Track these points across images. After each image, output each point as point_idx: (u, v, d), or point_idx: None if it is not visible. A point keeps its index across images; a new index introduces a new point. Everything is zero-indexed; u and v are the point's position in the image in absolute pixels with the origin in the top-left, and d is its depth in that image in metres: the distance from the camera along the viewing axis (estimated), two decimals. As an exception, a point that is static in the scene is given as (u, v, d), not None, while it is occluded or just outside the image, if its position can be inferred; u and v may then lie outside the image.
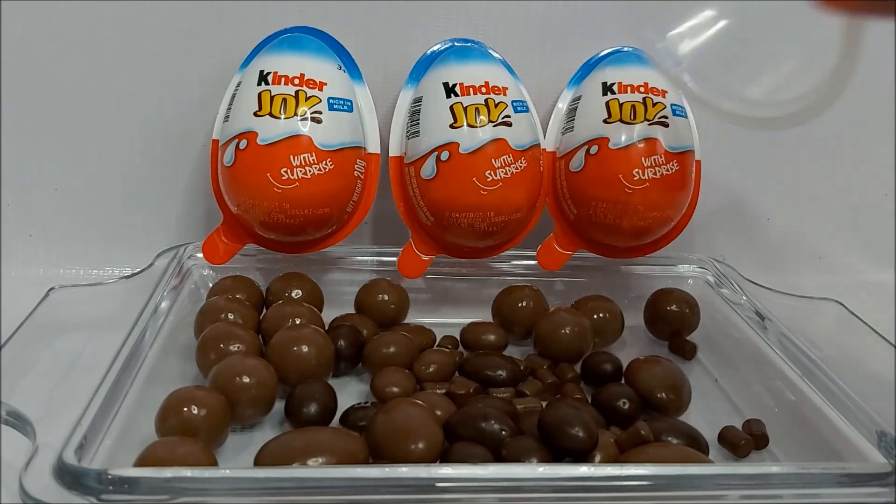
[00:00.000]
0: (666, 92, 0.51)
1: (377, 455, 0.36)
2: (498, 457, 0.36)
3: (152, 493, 0.30)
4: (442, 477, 0.31)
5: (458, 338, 0.49)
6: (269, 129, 0.47)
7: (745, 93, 0.31)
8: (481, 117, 0.48)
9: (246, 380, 0.39)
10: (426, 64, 0.52)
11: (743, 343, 0.48)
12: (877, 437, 0.37)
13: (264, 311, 0.49)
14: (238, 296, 0.48)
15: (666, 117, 0.50)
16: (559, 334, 0.46)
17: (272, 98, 0.47)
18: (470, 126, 0.47)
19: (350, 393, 0.45)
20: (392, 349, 0.45)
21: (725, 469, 0.35)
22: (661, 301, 0.51)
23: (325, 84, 0.48)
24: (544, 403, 0.41)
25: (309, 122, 0.47)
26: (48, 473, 0.31)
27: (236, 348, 0.42)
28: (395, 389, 0.42)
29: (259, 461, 0.35)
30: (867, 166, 0.62)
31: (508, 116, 0.48)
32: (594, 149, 0.50)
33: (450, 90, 0.49)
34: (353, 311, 0.50)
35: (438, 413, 0.38)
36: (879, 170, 0.62)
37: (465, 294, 0.55)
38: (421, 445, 0.35)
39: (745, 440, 0.40)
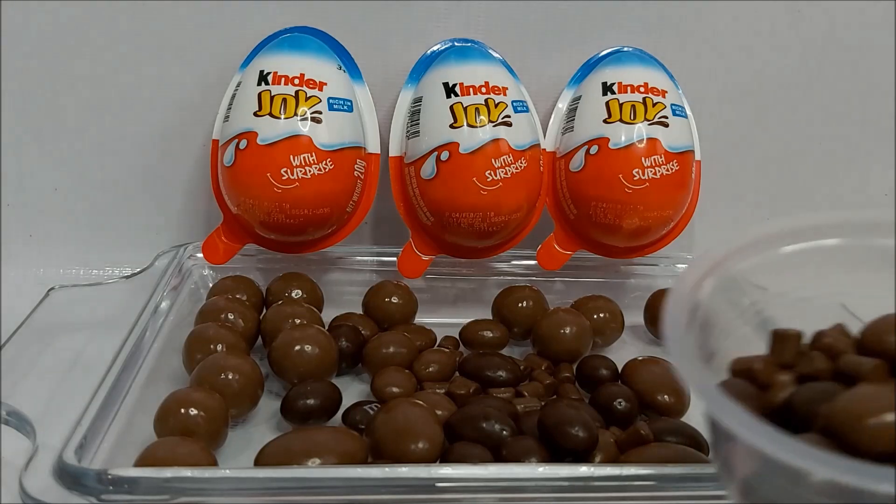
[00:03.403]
0: (666, 92, 0.51)
1: (377, 455, 0.36)
2: (498, 457, 0.36)
3: (152, 493, 0.30)
4: (442, 477, 0.32)
5: (458, 337, 0.49)
6: (269, 129, 0.47)
7: None
8: (481, 117, 0.48)
9: (229, 377, 0.39)
10: (426, 64, 0.52)
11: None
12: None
13: (264, 311, 0.49)
14: (238, 296, 0.48)
15: (666, 117, 0.50)
16: (558, 334, 0.46)
17: (272, 98, 0.47)
18: (470, 126, 0.47)
19: (350, 393, 0.45)
20: (392, 349, 0.45)
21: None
22: (662, 301, 0.51)
23: (325, 84, 0.48)
24: (543, 403, 0.41)
25: (309, 122, 0.47)
26: (48, 473, 0.31)
27: (219, 348, 0.42)
28: (395, 389, 0.42)
29: (259, 461, 0.35)
30: (867, 166, 0.62)
31: (508, 116, 0.48)
32: (594, 149, 0.50)
33: (450, 90, 0.49)
34: (352, 310, 0.50)
35: (439, 413, 0.38)
36: (879, 170, 0.62)
37: (465, 294, 0.55)
38: (421, 445, 0.35)
39: (746, 440, 0.40)
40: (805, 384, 0.26)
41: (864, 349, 0.27)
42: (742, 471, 0.24)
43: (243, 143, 0.47)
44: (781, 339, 0.28)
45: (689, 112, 0.53)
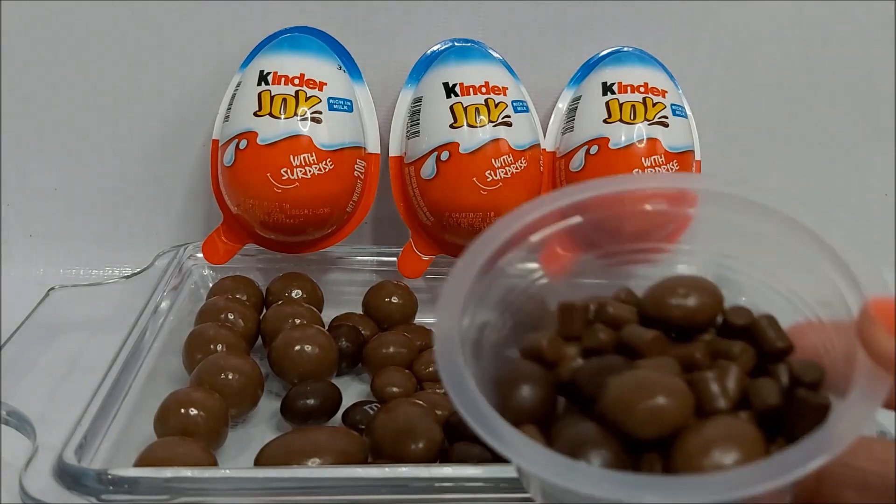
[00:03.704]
0: (666, 92, 0.51)
1: (377, 455, 0.36)
2: (498, 457, 0.36)
3: (152, 493, 0.30)
4: (442, 477, 0.32)
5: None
6: (269, 129, 0.47)
7: None
8: (481, 117, 0.48)
9: (229, 377, 0.39)
10: (426, 64, 0.52)
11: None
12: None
13: (264, 311, 0.49)
14: (238, 296, 0.48)
15: (666, 117, 0.50)
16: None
17: (272, 98, 0.47)
18: (470, 126, 0.47)
19: (350, 393, 0.45)
20: (392, 349, 0.45)
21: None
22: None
23: (325, 84, 0.48)
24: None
25: (309, 122, 0.47)
26: (48, 473, 0.31)
27: (219, 348, 0.42)
28: (395, 389, 0.42)
29: (259, 461, 0.35)
30: (867, 166, 0.62)
31: (508, 116, 0.48)
32: (594, 149, 0.50)
33: (450, 90, 0.49)
34: (352, 310, 0.50)
35: (438, 413, 0.38)
36: (879, 170, 0.62)
37: (465, 294, 0.55)
38: (421, 445, 0.35)
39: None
40: (589, 359, 0.25)
41: (646, 318, 0.26)
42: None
43: (243, 143, 0.47)
44: (568, 312, 0.26)
45: (689, 112, 0.53)
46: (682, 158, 0.50)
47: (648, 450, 0.22)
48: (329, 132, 0.47)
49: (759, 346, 0.25)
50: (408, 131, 0.50)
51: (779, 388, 0.23)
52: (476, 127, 0.47)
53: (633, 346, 0.24)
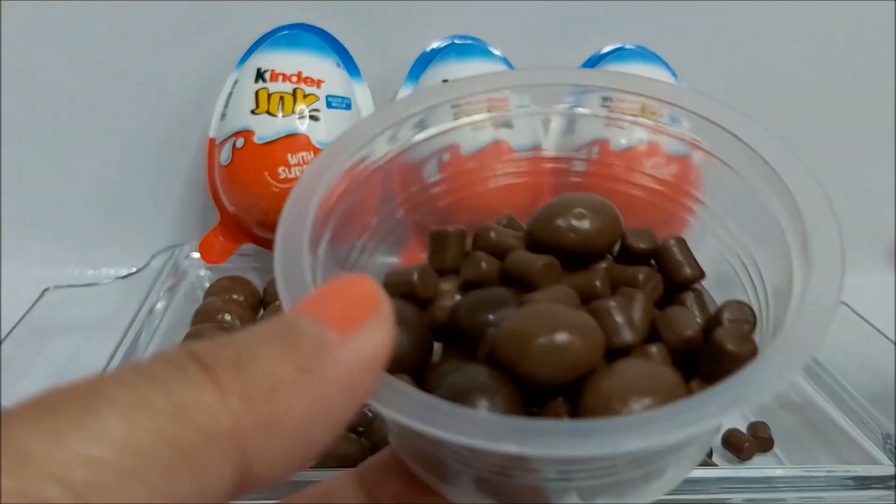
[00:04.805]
0: (667, 91, 0.51)
1: (377, 457, 0.36)
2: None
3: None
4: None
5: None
6: (267, 128, 0.46)
7: None
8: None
9: None
10: (425, 61, 0.52)
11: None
12: (882, 439, 0.37)
13: (261, 312, 0.48)
14: (235, 296, 0.47)
15: (667, 116, 0.49)
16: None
17: (269, 96, 0.47)
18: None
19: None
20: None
21: (729, 472, 0.34)
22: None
23: (323, 82, 0.48)
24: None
25: (307, 120, 0.47)
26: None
27: None
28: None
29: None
30: (867, 166, 0.62)
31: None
32: (595, 150, 0.49)
33: (449, 88, 0.48)
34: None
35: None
36: (879, 170, 0.62)
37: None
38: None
39: (749, 443, 0.40)
40: (469, 293, 0.21)
41: (534, 244, 0.22)
42: None
43: (240, 142, 0.46)
44: (441, 240, 0.23)
45: (690, 111, 0.52)
46: (684, 159, 0.49)
47: (548, 397, 0.18)
48: (327, 130, 0.47)
49: (665, 273, 0.21)
50: (407, 130, 0.50)
51: (692, 319, 0.20)
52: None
53: (521, 276, 0.20)
